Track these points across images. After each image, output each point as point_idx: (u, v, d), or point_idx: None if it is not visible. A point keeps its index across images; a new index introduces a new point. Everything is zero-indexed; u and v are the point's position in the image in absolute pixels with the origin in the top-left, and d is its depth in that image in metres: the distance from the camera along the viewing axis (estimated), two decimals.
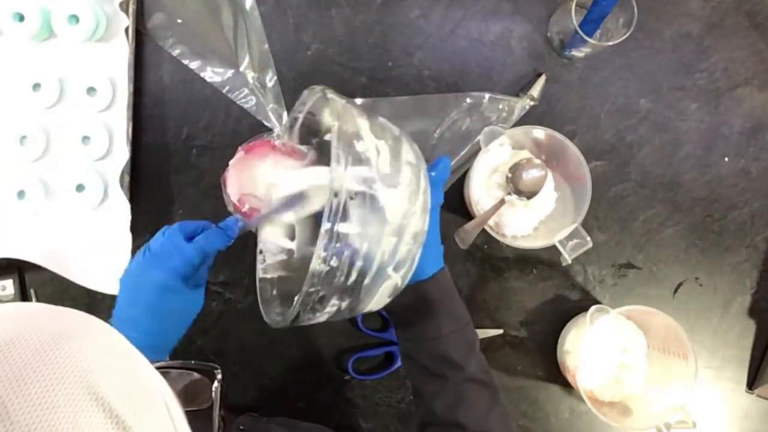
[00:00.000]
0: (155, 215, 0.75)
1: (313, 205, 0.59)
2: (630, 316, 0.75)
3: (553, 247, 0.70)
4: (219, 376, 0.47)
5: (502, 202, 0.70)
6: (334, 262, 0.44)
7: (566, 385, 0.77)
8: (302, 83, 0.76)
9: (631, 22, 0.69)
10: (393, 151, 0.49)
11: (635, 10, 0.69)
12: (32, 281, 0.75)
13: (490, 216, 0.69)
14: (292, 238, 0.62)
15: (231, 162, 0.72)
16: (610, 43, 0.69)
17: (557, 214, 0.74)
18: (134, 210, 0.72)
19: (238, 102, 0.75)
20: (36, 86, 0.72)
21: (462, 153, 0.76)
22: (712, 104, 0.79)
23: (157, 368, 0.32)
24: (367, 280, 0.47)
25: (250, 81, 0.75)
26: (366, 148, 0.47)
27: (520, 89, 0.77)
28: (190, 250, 0.53)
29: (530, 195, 0.70)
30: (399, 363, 0.76)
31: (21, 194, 0.72)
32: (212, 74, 0.75)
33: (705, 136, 0.79)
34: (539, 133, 0.72)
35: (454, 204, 0.76)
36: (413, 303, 0.56)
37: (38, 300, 0.74)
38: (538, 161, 0.70)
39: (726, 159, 0.79)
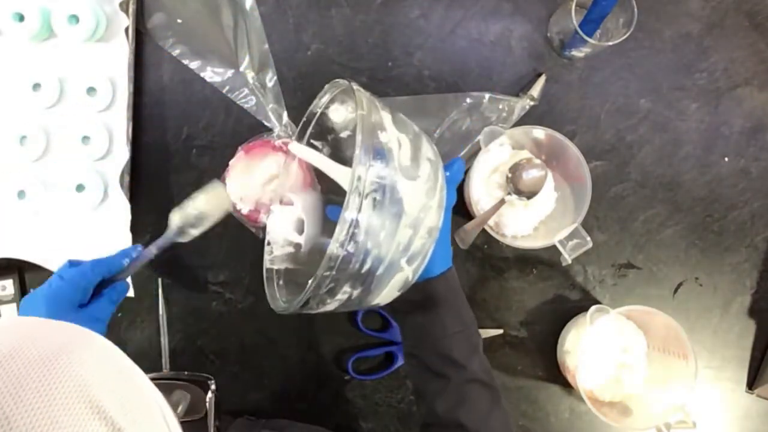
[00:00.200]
0: (155, 215, 0.75)
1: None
2: (630, 316, 0.75)
3: (553, 247, 0.70)
4: (213, 387, 0.47)
5: (502, 202, 0.70)
6: (351, 248, 0.45)
7: (566, 385, 0.77)
8: (302, 83, 0.76)
9: (631, 22, 0.69)
10: (414, 146, 0.50)
11: (635, 10, 0.69)
12: (32, 281, 0.75)
13: (490, 216, 0.69)
14: (300, 232, 0.62)
15: (231, 162, 0.73)
16: (610, 43, 0.69)
17: (557, 214, 0.74)
18: (134, 210, 0.72)
19: (238, 102, 0.75)
20: (36, 86, 0.72)
21: (462, 153, 0.76)
22: (712, 104, 0.79)
23: (151, 379, 0.32)
24: (380, 270, 0.48)
25: (250, 81, 0.75)
26: (389, 139, 0.48)
27: (520, 89, 0.77)
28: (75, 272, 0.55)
29: (530, 195, 0.70)
30: (399, 363, 0.76)
31: (21, 194, 0.72)
32: (212, 74, 0.75)
33: (705, 136, 0.79)
34: (539, 133, 0.72)
35: (454, 204, 0.76)
36: (420, 300, 0.57)
37: None
38: (538, 161, 0.70)
39: (726, 159, 0.79)
